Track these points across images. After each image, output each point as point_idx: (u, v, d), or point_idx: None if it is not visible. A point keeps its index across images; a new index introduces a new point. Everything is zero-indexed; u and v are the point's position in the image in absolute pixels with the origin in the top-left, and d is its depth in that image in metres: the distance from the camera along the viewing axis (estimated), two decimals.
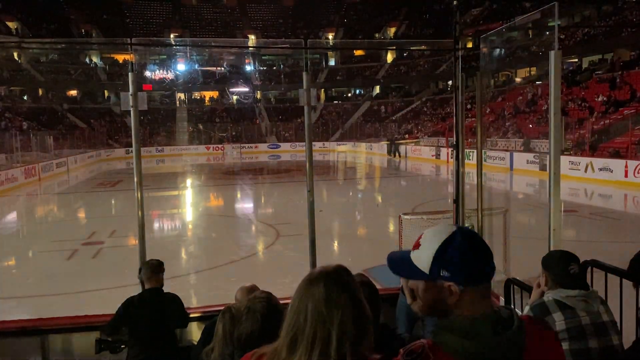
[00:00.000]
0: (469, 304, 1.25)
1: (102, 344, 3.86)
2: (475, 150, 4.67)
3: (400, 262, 1.34)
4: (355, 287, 1.38)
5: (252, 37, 59.64)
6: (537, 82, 34.73)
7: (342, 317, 1.30)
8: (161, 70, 51.31)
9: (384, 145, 38.84)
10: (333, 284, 1.36)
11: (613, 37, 32.23)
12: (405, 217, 7.49)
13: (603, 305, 2.59)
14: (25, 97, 47.92)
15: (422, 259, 1.28)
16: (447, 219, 6.57)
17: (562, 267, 2.64)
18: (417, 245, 1.31)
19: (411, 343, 1.25)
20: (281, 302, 2.11)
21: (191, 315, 4.31)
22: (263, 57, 55.61)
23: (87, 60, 52.78)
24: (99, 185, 24.29)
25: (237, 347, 2.02)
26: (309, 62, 4.62)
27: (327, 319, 1.29)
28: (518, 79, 38.35)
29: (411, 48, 52.00)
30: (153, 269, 4.07)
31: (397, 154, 36.51)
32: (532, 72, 39.14)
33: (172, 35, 58.82)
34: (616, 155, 20.22)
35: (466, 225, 4.70)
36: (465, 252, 1.25)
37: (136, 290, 4.26)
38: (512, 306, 3.77)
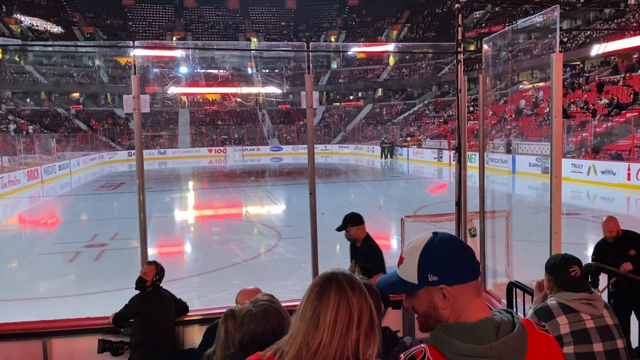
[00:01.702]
0: (465, 307, 1.26)
1: (106, 344, 3.88)
2: (477, 153, 4.66)
3: (390, 282, 1.36)
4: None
5: (254, 40, 59.75)
6: (538, 85, 34.73)
7: (361, 301, 1.37)
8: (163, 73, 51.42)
9: (385, 148, 38.96)
10: (350, 277, 1.43)
11: (615, 39, 32.18)
12: (408, 220, 7.49)
13: (607, 308, 2.59)
14: (28, 100, 48.08)
15: (409, 271, 1.30)
16: (449, 222, 6.56)
17: (564, 270, 2.64)
18: (401, 261, 1.34)
19: (412, 348, 1.25)
20: (283, 304, 2.11)
21: (193, 318, 4.32)
22: (265, 60, 55.69)
23: (90, 63, 52.93)
24: (101, 187, 24.32)
25: (240, 350, 2.02)
26: (311, 65, 4.63)
27: (349, 298, 1.35)
28: (526, 83, 38.34)
29: (413, 51, 52.00)
30: (163, 271, 4.29)
31: (384, 155, 37.37)
32: (535, 75, 39.14)
33: (174, 38, 58.99)
34: (618, 157, 20.17)
35: (468, 228, 4.70)
36: (447, 252, 1.28)
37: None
38: (515, 309, 3.76)
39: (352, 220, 4.56)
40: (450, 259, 1.27)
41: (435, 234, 1.33)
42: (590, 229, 12.65)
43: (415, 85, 52.92)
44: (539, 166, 22.39)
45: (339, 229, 4.61)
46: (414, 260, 1.29)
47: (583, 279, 2.68)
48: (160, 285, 4.23)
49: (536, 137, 26.76)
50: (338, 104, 55.53)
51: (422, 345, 1.25)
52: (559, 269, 2.67)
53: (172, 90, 47.40)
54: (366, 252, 4.54)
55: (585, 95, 29.37)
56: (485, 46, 4.80)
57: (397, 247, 7.68)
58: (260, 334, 1.94)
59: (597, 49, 32.84)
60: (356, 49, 55.66)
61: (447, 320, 1.26)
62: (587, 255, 9.50)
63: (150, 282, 4.14)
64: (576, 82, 31.82)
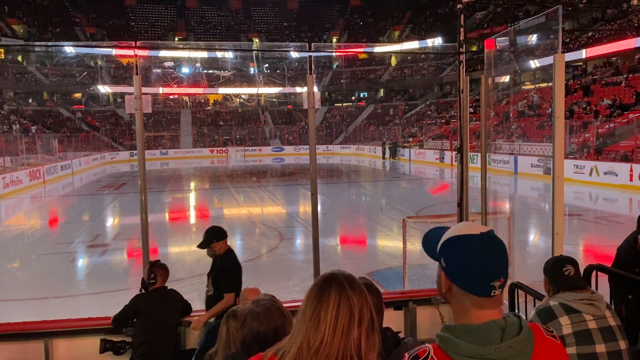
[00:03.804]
0: (464, 309, 1.27)
1: (107, 344, 3.88)
2: (479, 154, 4.66)
3: (435, 234, 1.37)
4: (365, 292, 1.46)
5: (256, 41, 59.78)
6: (540, 85, 34.69)
7: (361, 300, 1.39)
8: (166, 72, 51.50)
9: (386, 148, 39.00)
10: (351, 277, 1.45)
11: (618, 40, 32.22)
12: (409, 220, 7.48)
13: (609, 309, 2.59)
14: (30, 100, 48.18)
15: (441, 241, 1.32)
16: (451, 223, 6.56)
17: (557, 270, 2.67)
18: (449, 230, 1.34)
19: (416, 347, 1.25)
20: (285, 305, 2.11)
21: (194, 318, 4.32)
22: (267, 60, 55.76)
23: (92, 63, 53.04)
24: (103, 187, 24.35)
25: (242, 350, 2.02)
26: (313, 66, 4.63)
27: (349, 297, 1.37)
28: (528, 85, 38.32)
29: (415, 51, 51.97)
30: (166, 270, 4.25)
31: (389, 155, 37.66)
32: (537, 76, 39.06)
33: (176, 39, 59.06)
34: (624, 159, 20.09)
35: None
36: (464, 256, 1.26)
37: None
38: (517, 310, 3.75)
39: (217, 235, 4.29)
40: (467, 263, 1.25)
41: (484, 235, 1.27)
42: (592, 230, 12.64)
43: (417, 85, 52.92)
44: (541, 167, 22.37)
45: (202, 246, 4.29)
46: (446, 237, 1.30)
47: (579, 278, 2.70)
48: (165, 285, 4.22)
49: (538, 138, 26.73)
50: (340, 104, 55.56)
51: (427, 344, 1.25)
52: (553, 269, 2.71)
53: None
54: (222, 267, 4.28)
55: (588, 96, 29.36)
56: (487, 46, 4.79)
57: (399, 248, 7.67)
58: (262, 333, 1.94)
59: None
60: (362, 50, 55.57)
61: (451, 306, 1.30)
62: (589, 257, 9.50)
63: (155, 281, 4.14)
64: (578, 83, 31.78)
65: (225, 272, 4.24)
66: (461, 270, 1.26)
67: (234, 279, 4.25)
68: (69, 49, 46.70)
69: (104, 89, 48.44)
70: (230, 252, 4.36)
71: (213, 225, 4.40)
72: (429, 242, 1.36)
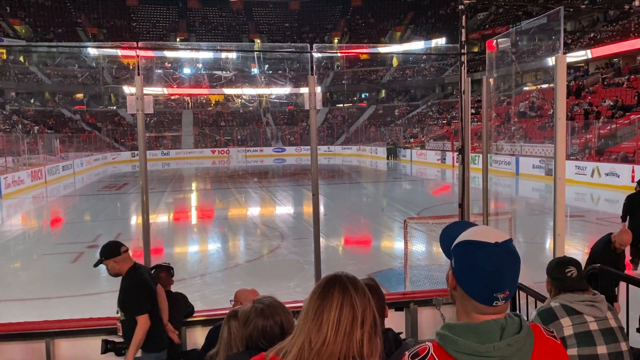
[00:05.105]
0: (465, 310, 1.28)
1: (109, 345, 3.88)
2: (480, 155, 4.65)
3: (448, 236, 1.35)
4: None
5: (257, 41, 59.79)
6: (542, 86, 34.68)
7: (364, 302, 1.38)
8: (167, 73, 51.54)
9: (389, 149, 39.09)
10: (354, 279, 1.45)
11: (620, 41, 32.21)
12: (411, 221, 7.48)
13: (610, 310, 2.59)
14: (32, 100, 48.23)
15: (456, 241, 1.30)
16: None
17: (561, 271, 2.67)
18: (466, 232, 1.31)
19: (416, 345, 1.26)
20: (286, 305, 2.11)
21: (195, 319, 4.33)
22: (269, 61, 55.76)
23: (94, 63, 53.10)
24: (104, 188, 24.38)
25: (245, 350, 2.02)
26: (314, 66, 4.62)
27: (352, 298, 1.37)
28: (530, 85, 38.31)
29: (417, 52, 51.92)
30: (169, 273, 4.32)
31: (392, 156, 37.73)
32: (538, 77, 39.05)
33: (178, 39, 59.08)
34: (626, 159, 20.07)
35: None
36: (472, 263, 1.25)
37: None
38: (518, 311, 3.75)
39: (105, 253, 3.79)
40: (473, 270, 1.24)
41: (499, 245, 1.24)
42: (593, 231, 12.62)
43: (419, 86, 52.90)
44: (543, 168, 22.35)
45: (95, 265, 3.87)
46: (461, 239, 1.28)
47: (582, 280, 2.69)
48: (169, 288, 4.24)
49: (540, 139, 26.71)
50: (341, 105, 55.56)
51: (427, 342, 1.26)
52: (555, 270, 2.71)
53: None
54: (124, 288, 3.84)
55: (590, 97, 29.32)
56: (489, 47, 4.78)
57: (401, 248, 7.67)
58: (269, 328, 1.95)
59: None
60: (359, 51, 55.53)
61: (455, 304, 1.31)
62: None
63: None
64: (580, 84, 31.75)
65: (127, 293, 3.81)
66: (467, 275, 1.25)
67: (139, 298, 3.77)
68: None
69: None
70: (132, 270, 3.85)
71: (108, 241, 3.93)
72: (446, 239, 1.36)
